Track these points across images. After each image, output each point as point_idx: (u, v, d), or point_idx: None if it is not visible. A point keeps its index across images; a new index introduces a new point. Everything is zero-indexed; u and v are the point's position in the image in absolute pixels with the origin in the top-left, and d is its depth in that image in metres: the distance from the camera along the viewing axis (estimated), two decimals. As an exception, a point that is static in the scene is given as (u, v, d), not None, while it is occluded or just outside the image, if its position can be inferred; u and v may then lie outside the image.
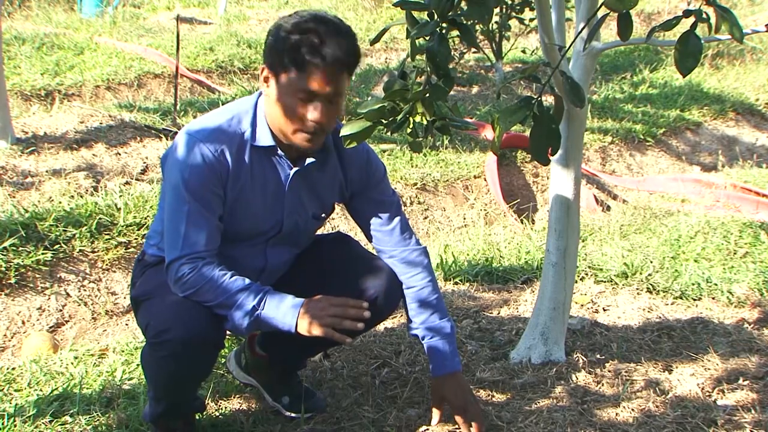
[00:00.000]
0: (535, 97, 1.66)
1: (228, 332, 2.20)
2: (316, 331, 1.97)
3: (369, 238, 2.35)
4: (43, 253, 3.84)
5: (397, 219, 2.31)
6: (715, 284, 3.50)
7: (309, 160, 2.14)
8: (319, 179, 2.21)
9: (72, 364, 2.93)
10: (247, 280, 2.02)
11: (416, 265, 2.29)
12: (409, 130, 1.68)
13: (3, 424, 2.36)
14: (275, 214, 2.18)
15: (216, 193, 2.05)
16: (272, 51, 1.99)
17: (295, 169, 2.14)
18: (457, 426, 2.26)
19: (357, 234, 2.63)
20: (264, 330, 2.08)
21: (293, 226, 2.23)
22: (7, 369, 2.91)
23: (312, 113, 1.98)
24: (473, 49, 8.38)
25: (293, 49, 1.94)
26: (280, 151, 2.11)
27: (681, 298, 3.43)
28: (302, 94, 1.97)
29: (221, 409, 2.50)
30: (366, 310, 2.02)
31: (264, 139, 2.09)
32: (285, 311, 1.99)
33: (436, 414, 2.29)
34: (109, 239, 4.08)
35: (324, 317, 1.97)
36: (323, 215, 2.31)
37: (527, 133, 5.81)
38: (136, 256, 4.02)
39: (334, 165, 2.23)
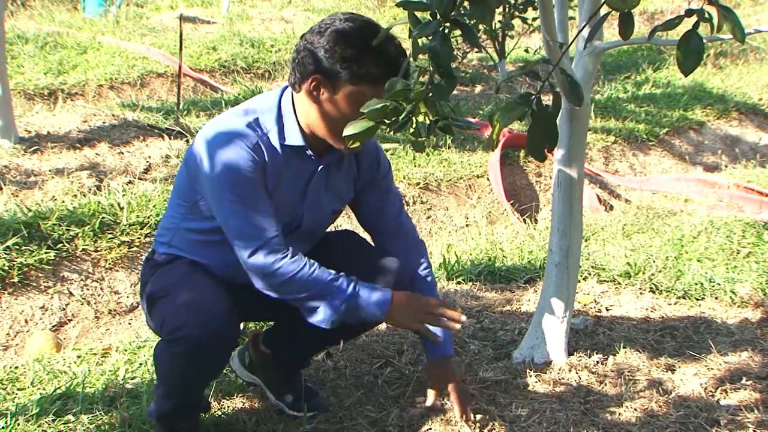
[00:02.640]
0: (534, 93, 1.66)
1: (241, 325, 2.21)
2: (413, 325, 2.15)
3: (372, 230, 2.40)
4: (46, 252, 3.85)
5: (403, 210, 2.40)
6: (718, 284, 3.50)
7: (332, 156, 2.19)
8: (337, 174, 2.26)
9: (75, 363, 2.94)
10: (332, 271, 2.09)
11: (419, 255, 2.39)
12: (411, 130, 1.67)
13: (6, 422, 2.37)
14: (297, 209, 2.22)
15: (262, 185, 2.07)
16: (332, 65, 1.99)
17: (320, 166, 2.18)
18: (459, 428, 2.27)
19: (363, 232, 2.63)
20: (349, 320, 2.11)
21: (313, 221, 2.26)
22: (11, 368, 2.91)
23: None
24: (476, 49, 8.37)
25: (366, 64, 1.97)
26: (309, 151, 2.14)
27: (684, 297, 3.42)
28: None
29: (224, 408, 2.50)
30: (460, 321, 2.17)
31: (294, 138, 2.11)
32: (376, 299, 2.08)
33: (432, 395, 2.33)
34: (112, 238, 4.08)
35: (422, 314, 2.13)
36: (340, 209, 2.37)
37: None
38: (139, 255, 4.06)
39: (349, 159, 2.27)
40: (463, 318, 2.16)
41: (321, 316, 2.07)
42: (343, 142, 2.08)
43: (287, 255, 2.05)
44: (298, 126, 2.11)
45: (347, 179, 2.29)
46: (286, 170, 2.13)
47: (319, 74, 2.02)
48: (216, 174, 2.05)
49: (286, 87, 2.15)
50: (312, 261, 2.08)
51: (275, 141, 2.09)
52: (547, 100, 1.79)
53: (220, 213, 2.07)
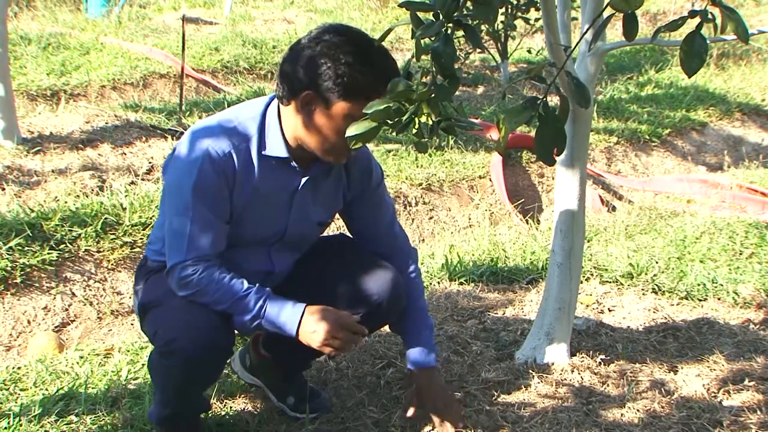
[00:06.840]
0: (541, 97, 1.66)
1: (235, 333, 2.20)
2: (315, 345, 2.00)
3: (363, 240, 2.35)
4: (48, 253, 3.85)
5: (395, 221, 2.36)
6: (721, 285, 3.49)
7: (319, 167, 2.15)
8: (324, 185, 2.21)
9: (77, 363, 2.94)
10: (247, 284, 2.02)
11: (408, 262, 2.36)
12: (414, 131, 1.67)
13: (9, 423, 2.37)
14: (280, 221, 2.18)
15: (223, 196, 2.04)
16: (325, 81, 1.95)
17: (305, 177, 2.14)
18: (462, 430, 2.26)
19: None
20: (269, 332, 2.09)
21: (298, 233, 2.23)
22: (13, 368, 2.92)
23: None
24: (478, 49, 8.36)
25: (358, 81, 1.93)
26: (293, 163, 2.11)
27: (686, 298, 3.42)
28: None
29: (226, 408, 2.50)
30: (362, 337, 2.08)
31: (276, 149, 2.07)
32: (286, 318, 2.01)
33: (411, 408, 2.28)
34: (115, 239, 4.08)
35: (328, 337, 2.00)
36: (328, 221, 2.33)
37: (532, 133, 5.79)
38: (141, 255, 4.05)
39: (338, 169, 2.23)
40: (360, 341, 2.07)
41: (238, 326, 2.06)
42: (332, 156, 2.06)
43: (201, 268, 2.00)
44: (283, 137, 2.07)
45: (336, 189, 2.25)
46: (267, 182, 2.09)
47: (310, 90, 1.97)
48: (174, 174, 2.05)
49: (273, 97, 2.11)
50: (227, 273, 2.02)
51: (254, 150, 2.06)
52: (552, 101, 1.79)
53: (168, 210, 2.07)
